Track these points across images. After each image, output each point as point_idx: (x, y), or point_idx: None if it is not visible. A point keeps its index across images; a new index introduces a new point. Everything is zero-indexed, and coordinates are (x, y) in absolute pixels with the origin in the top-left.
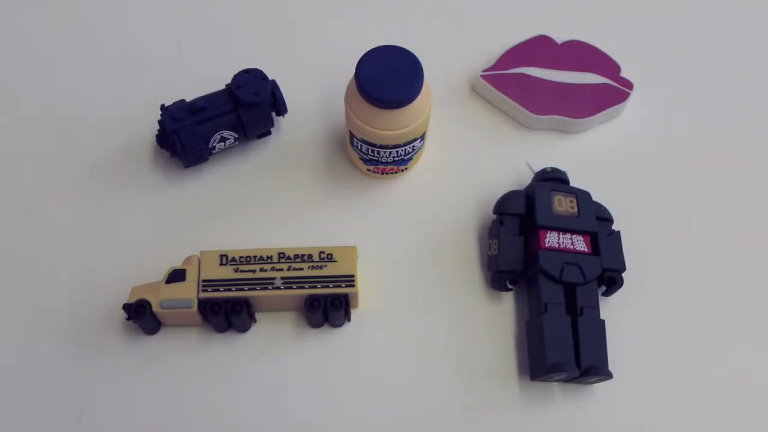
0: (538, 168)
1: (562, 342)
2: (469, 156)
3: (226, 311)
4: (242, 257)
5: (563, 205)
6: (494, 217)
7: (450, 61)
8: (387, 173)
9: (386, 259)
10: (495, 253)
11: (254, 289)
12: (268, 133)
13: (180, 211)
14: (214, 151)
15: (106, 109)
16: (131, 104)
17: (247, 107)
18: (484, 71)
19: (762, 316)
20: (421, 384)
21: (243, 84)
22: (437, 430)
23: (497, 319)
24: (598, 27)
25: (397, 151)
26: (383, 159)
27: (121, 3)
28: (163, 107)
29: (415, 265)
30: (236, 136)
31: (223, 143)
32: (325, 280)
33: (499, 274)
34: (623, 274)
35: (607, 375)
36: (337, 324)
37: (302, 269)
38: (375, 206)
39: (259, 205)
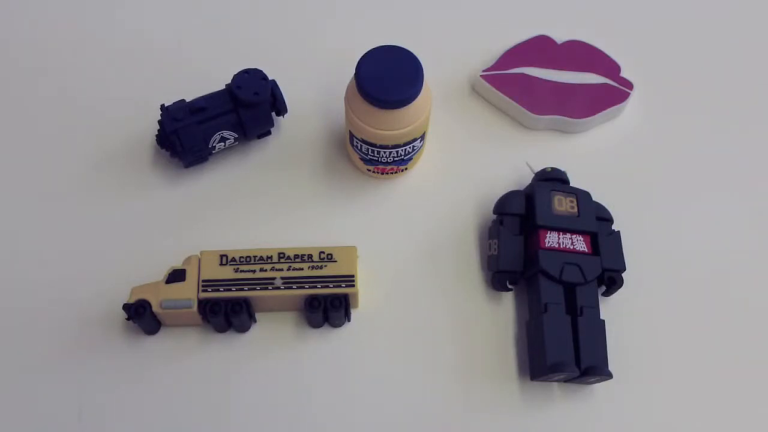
0: (538, 168)
1: (562, 342)
2: (469, 156)
3: (226, 311)
4: (242, 257)
5: (563, 205)
6: (494, 217)
7: (450, 61)
8: (387, 173)
9: (386, 259)
10: (495, 253)
11: (254, 289)
12: (268, 133)
13: (180, 211)
14: (214, 151)
15: (106, 109)
16: (131, 104)
17: (247, 107)
18: (484, 71)
19: (762, 315)
20: (421, 384)
21: (243, 84)
22: (437, 430)
23: (497, 319)
24: (598, 27)
25: (397, 151)
26: (383, 159)
27: (120, 3)
28: (163, 107)
29: (415, 265)
30: (236, 136)
31: (223, 143)
32: (325, 280)
33: (499, 274)
34: (623, 274)
35: (607, 375)
36: (337, 324)
37: (302, 269)
38: (375, 206)
39: (259, 205)
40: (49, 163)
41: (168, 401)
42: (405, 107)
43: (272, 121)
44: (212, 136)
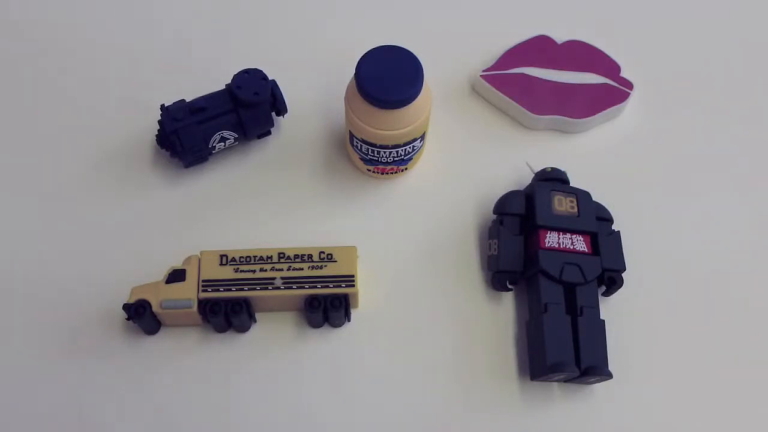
0: (538, 168)
1: (562, 342)
2: (469, 156)
3: (226, 311)
4: (242, 257)
5: (563, 205)
6: (494, 217)
7: (450, 61)
8: (387, 173)
9: (386, 259)
10: (495, 253)
11: (254, 289)
12: (268, 133)
13: (180, 211)
14: (214, 151)
15: (106, 109)
16: (131, 104)
17: (247, 107)
18: (484, 71)
19: (762, 315)
20: (421, 384)
21: (243, 84)
22: (437, 430)
23: (497, 319)
24: (598, 27)
25: (397, 151)
26: (383, 159)
27: (120, 2)
28: (163, 107)
29: (415, 265)
30: (236, 136)
31: (223, 143)
32: (325, 280)
33: (499, 274)
34: (623, 274)
35: (607, 375)
36: (337, 324)
37: (302, 269)
38: (375, 206)
39: (259, 205)
40: (49, 163)
41: (168, 401)
42: (405, 107)
43: (272, 121)
44: (212, 136)
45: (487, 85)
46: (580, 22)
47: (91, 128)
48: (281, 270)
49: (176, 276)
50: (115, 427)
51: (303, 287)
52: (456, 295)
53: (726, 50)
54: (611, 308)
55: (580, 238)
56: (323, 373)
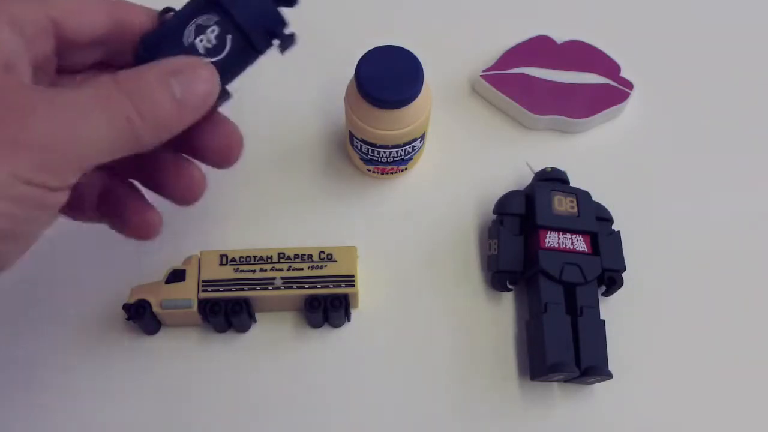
0: (538, 168)
1: (562, 342)
2: (469, 156)
3: (226, 311)
4: (242, 257)
5: (563, 205)
6: (494, 217)
7: (450, 61)
8: (387, 173)
9: (386, 260)
10: (495, 253)
11: (254, 289)
12: (272, 39)
13: (180, 211)
14: (199, 52)
15: None
16: None
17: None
18: (484, 71)
19: (762, 315)
20: (420, 384)
21: None
22: (437, 430)
23: (497, 319)
24: (598, 27)
25: (397, 151)
26: (383, 159)
27: None
28: None
29: (415, 265)
30: (217, 19)
31: (204, 37)
32: (325, 280)
33: (499, 274)
34: (623, 274)
35: (607, 375)
36: (337, 324)
37: (302, 269)
38: (375, 206)
39: (259, 204)
40: None
41: (168, 401)
42: (405, 107)
43: (279, 15)
44: (184, 29)
45: (487, 85)
46: (580, 22)
47: None
48: (281, 270)
49: (176, 276)
50: (115, 427)
51: (303, 287)
52: (456, 295)
53: (726, 50)
54: (611, 308)
55: (580, 238)
56: (323, 373)
